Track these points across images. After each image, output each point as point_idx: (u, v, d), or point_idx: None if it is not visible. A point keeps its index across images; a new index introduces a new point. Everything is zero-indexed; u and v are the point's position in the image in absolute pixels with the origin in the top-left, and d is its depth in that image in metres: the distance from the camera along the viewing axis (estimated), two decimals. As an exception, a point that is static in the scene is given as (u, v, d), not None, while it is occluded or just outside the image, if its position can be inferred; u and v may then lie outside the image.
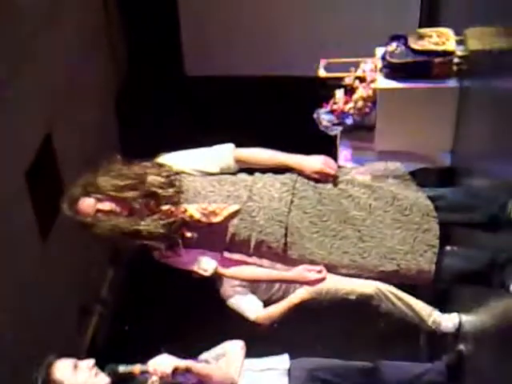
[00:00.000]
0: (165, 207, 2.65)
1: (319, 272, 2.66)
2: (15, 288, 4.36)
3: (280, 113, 5.93)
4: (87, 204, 2.65)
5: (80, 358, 3.13)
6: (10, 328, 4.30)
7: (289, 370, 3.52)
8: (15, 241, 4.37)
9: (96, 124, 5.77)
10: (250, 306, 3.81)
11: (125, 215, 2.63)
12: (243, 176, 2.75)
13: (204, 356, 3.65)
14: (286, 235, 2.64)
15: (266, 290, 3.88)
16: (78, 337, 5.37)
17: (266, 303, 3.89)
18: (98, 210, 2.64)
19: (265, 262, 2.79)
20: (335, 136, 4.39)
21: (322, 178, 2.69)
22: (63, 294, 5.00)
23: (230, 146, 2.77)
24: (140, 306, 5.80)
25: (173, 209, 2.65)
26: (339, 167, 2.84)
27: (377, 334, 4.99)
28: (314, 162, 2.70)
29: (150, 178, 2.64)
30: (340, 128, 4.30)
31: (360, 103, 4.22)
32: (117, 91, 6.21)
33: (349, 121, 4.26)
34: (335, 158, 4.35)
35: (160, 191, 2.63)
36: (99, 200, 2.64)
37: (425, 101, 4.10)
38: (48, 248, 4.81)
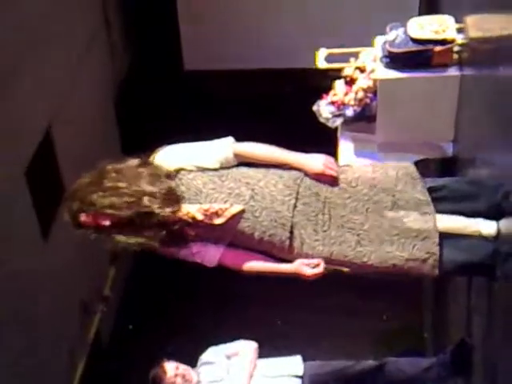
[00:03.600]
0: (165, 218, 2.64)
1: (317, 266, 2.66)
2: (16, 287, 4.35)
3: (280, 106, 5.93)
4: (86, 220, 2.65)
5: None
6: (13, 328, 4.29)
7: (302, 376, 3.52)
8: (16, 239, 4.37)
9: (96, 120, 5.77)
10: None
11: (125, 228, 2.63)
12: (244, 170, 2.73)
13: (213, 350, 3.67)
14: (290, 238, 2.66)
15: None
16: (81, 335, 5.37)
17: None
18: (98, 225, 2.65)
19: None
20: (336, 128, 4.36)
21: (322, 179, 2.66)
22: (65, 292, 5.00)
23: (229, 140, 2.75)
24: (143, 303, 5.82)
25: (174, 217, 2.64)
26: (346, 165, 2.82)
27: (380, 328, 4.98)
28: (315, 163, 2.67)
29: (146, 200, 2.61)
30: (340, 119, 4.27)
31: (360, 94, 4.19)
32: (116, 87, 6.22)
33: (349, 112, 4.23)
34: (336, 150, 4.38)
35: (157, 212, 2.61)
36: (97, 216, 2.64)
37: (425, 90, 4.07)
38: (49, 246, 4.81)
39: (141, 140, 5.62)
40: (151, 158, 2.70)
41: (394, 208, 2.64)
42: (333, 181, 2.66)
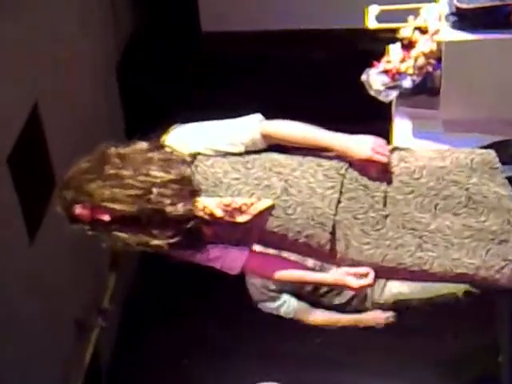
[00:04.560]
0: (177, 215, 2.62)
1: (365, 276, 2.66)
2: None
3: (318, 75, 5.87)
4: (81, 213, 2.65)
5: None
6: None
7: None
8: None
9: (94, 93, 5.73)
10: (287, 309, 4.00)
11: (128, 225, 2.62)
12: (275, 156, 2.69)
13: None
14: (331, 241, 2.65)
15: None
16: (75, 356, 5.37)
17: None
18: (96, 220, 2.64)
19: (293, 257, 2.82)
20: (390, 103, 4.31)
21: (370, 166, 2.64)
22: (55, 304, 4.96)
23: (257, 117, 2.71)
24: (149, 316, 5.82)
25: (188, 214, 2.62)
26: (405, 149, 2.76)
27: (443, 351, 4.93)
28: (361, 147, 2.63)
29: (155, 193, 2.60)
30: (396, 92, 4.21)
31: (420, 60, 4.13)
32: (119, 53, 6.19)
33: (406, 83, 4.17)
34: (390, 131, 4.33)
35: (169, 210, 2.60)
36: (95, 209, 2.63)
37: (503, 55, 4.00)
38: (37, 249, 4.77)
39: (149, 116, 5.56)
40: (162, 141, 2.69)
41: (468, 204, 2.62)
42: (382, 168, 2.64)
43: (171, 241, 2.61)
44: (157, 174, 2.61)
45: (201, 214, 2.62)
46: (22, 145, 4.58)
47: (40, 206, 4.69)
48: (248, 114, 2.72)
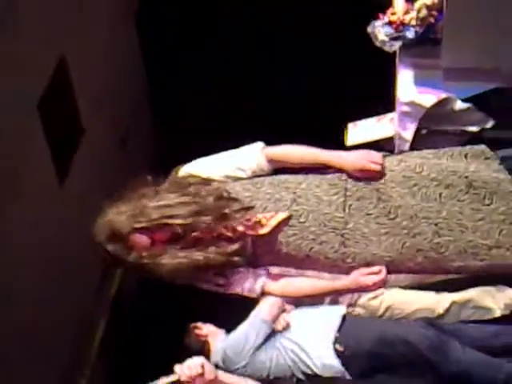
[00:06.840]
0: (238, 227, 2.98)
1: (378, 273, 3.01)
2: (28, 238, 4.76)
3: (323, 26, 6.12)
4: (140, 237, 2.93)
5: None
6: (28, 287, 4.75)
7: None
8: (29, 181, 4.78)
9: (114, 43, 6.14)
10: None
11: (191, 245, 2.94)
12: (281, 176, 3.11)
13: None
14: (343, 243, 2.99)
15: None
16: (98, 298, 5.78)
17: None
18: (154, 242, 2.91)
19: (309, 272, 3.14)
20: (394, 53, 4.51)
21: (366, 176, 3.01)
22: (84, 249, 5.11)
23: (259, 145, 3.14)
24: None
25: (245, 226, 2.97)
26: (402, 153, 3.20)
27: None
28: (355, 159, 3.04)
29: (210, 199, 2.96)
30: (399, 43, 4.42)
31: (423, 12, 4.33)
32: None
33: (410, 34, 4.38)
34: (394, 80, 4.61)
35: (227, 211, 2.96)
36: (154, 231, 2.91)
37: (505, 5, 4.09)
38: (67, 191, 5.23)
39: (171, 61, 6.07)
40: (173, 174, 3.10)
41: (470, 191, 2.95)
42: (377, 176, 3.02)
43: (234, 248, 2.94)
44: (201, 188, 2.99)
45: (223, 231, 2.96)
46: (51, 92, 5.07)
47: (68, 149, 5.17)
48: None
